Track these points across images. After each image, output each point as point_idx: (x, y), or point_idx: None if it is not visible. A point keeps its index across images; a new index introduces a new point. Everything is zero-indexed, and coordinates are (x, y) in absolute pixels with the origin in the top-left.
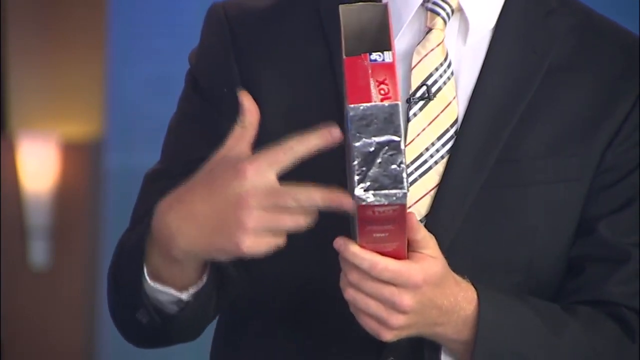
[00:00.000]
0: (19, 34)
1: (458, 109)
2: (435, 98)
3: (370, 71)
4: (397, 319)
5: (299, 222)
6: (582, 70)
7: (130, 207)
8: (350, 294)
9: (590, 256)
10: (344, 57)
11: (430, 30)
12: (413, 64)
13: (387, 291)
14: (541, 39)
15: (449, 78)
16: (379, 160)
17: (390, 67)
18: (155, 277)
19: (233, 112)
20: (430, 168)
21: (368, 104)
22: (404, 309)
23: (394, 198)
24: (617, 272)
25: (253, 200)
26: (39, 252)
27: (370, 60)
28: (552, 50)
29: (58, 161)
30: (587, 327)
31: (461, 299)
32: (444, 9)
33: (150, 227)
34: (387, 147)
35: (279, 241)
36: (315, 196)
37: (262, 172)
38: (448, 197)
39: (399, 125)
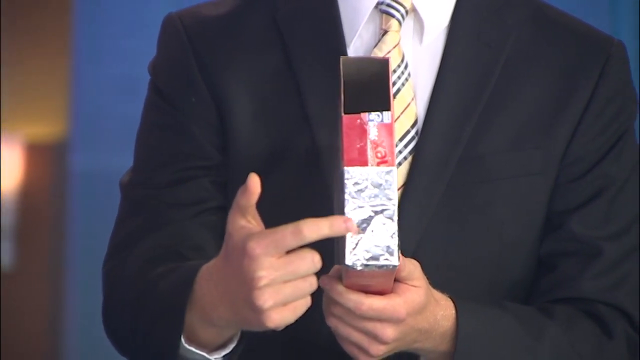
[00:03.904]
0: None
1: (417, 110)
2: (394, 100)
3: (368, 132)
4: (378, 349)
5: (313, 283)
6: (539, 61)
7: (95, 208)
8: (333, 322)
9: (561, 252)
10: (342, 114)
11: (385, 32)
12: None
13: (370, 326)
14: (495, 33)
15: (406, 79)
16: (371, 229)
17: (388, 128)
18: (190, 339)
19: (203, 119)
20: None
21: (363, 168)
22: (385, 341)
23: (384, 267)
24: (590, 267)
25: (264, 280)
26: (4, 253)
27: (369, 120)
28: (507, 43)
29: (22, 162)
30: (565, 327)
31: (440, 317)
32: (398, 11)
33: (192, 291)
34: (380, 216)
35: (305, 303)
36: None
37: (270, 252)
38: (414, 197)
39: (394, 192)
